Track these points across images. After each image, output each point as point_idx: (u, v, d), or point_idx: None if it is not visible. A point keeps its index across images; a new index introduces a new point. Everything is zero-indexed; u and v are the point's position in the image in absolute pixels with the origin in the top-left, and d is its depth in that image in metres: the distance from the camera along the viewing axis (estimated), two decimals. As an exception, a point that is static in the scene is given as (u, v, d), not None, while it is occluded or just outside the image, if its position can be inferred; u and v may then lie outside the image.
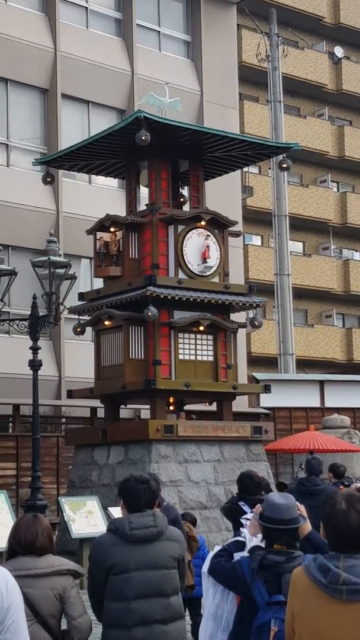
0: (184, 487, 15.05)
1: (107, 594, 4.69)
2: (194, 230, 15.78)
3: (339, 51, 38.64)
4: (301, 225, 35.99)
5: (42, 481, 15.03)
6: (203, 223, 15.85)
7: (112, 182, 23.15)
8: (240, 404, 20.90)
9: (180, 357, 15.54)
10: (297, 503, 4.81)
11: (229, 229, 16.45)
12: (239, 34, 30.34)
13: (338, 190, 38.86)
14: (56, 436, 18.84)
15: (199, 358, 15.78)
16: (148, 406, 16.32)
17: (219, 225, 16.20)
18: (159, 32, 24.78)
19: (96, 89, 22.82)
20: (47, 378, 19.28)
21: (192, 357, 15.71)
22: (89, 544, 10.26)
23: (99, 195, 21.87)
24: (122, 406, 16.90)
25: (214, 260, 15.91)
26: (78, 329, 16.56)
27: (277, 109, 28.88)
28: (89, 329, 16.47)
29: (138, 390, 15.39)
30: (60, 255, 14.79)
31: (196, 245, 15.75)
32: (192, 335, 15.72)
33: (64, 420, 20.35)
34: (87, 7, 23.55)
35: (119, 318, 15.44)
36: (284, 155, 16.92)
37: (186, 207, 16.63)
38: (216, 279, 16.08)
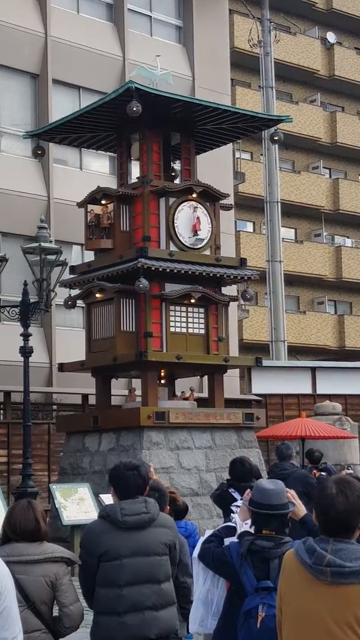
0: (175, 474, 15.06)
1: (98, 581, 4.69)
2: (185, 203, 15.77)
3: (331, 37, 38.49)
4: (293, 211, 35.94)
5: (34, 468, 15.01)
6: (194, 195, 15.83)
7: (104, 168, 23.06)
8: (232, 391, 20.91)
9: (172, 329, 15.55)
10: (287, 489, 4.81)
11: (220, 202, 16.43)
12: (230, 19, 30.19)
13: (330, 177, 38.80)
14: (47, 423, 18.81)
15: (190, 331, 15.79)
16: (139, 394, 16.28)
17: (210, 198, 16.19)
18: (151, 17, 24.65)
19: (87, 74, 22.70)
20: (38, 365, 19.24)
21: (184, 330, 15.72)
22: (80, 531, 10.25)
23: (90, 181, 21.73)
24: (114, 379, 16.85)
25: (205, 232, 15.90)
26: (69, 302, 16.53)
27: (269, 94, 28.76)
28: (79, 316, 16.43)
29: (129, 362, 15.38)
30: (51, 242, 14.72)
31: (187, 217, 15.76)
32: (184, 308, 15.72)
33: (55, 407, 20.32)
34: (78, -8, 23.39)
35: (110, 290, 15.43)
36: (276, 128, 16.93)
37: (177, 182, 16.58)
38: (207, 252, 16.08)
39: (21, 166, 21.44)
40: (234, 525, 5.06)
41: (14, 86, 22.07)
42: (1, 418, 18.68)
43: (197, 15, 24.92)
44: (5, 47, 21.42)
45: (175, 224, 15.64)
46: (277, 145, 28.03)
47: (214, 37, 25.30)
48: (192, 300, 15.70)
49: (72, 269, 16.58)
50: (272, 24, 30.10)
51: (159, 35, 24.63)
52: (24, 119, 22.07)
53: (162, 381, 16.23)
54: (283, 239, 30.80)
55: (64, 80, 22.54)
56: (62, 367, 17.05)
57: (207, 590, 5.18)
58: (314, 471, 11.62)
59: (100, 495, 13.85)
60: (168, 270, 15.19)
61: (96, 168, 22.88)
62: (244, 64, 34.07)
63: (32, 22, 22.12)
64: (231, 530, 5.04)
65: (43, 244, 14.12)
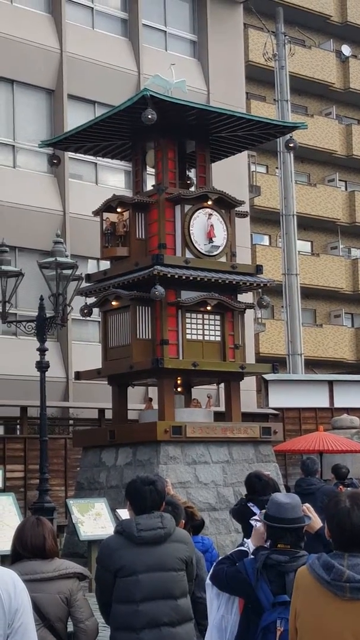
0: (192, 489, 14.98)
1: (114, 597, 4.64)
2: (200, 210, 15.78)
3: (346, 50, 38.52)
4: (309, 224, 35.89)
5: (50, 483, 14.97)
6: (210, 202, 15.84)
7: (119, 183, 23.10)
8: (249, 405, 20.83)
9: (188, 337, 15.54)
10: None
11: (235, 209, 16.43)
12: (245, 33, 30.25)
13: (346, 189, 38.74)
14: (64, 438, 18.79)
15: (206, 338, 15.78)
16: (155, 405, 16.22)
17: (225, 205, 16.21)
18: (165, 31, 24.74)
19: (102, 89, 22.78)
20: (54, 379, 19.23)
21: (200, 337, 15.72)
22: (98, 546, 10.20)
23: (105, 196, 21.80)
24: (130, 387, 16.83)
25: (220, 239, 15.91)
26: (85, 310, 16.57)
27: (284, 108, 28.80)
28: (95, 330, 16.42)
29: (146, 370, 15.36)
30: (67, 256, 14.74)
31: (203, 224, 15.80)
32: (200, 315, 15.72)
33: (71, 421, 20.30)
34: (92, 8, 23.51)
35: (126, 298, 15.45)
36: (291, 135, 16.93)
37: (193, 190, 16.58)
38: (223, 259, 16.08)
39: (37, 181, 21.52)
40: (246, 549, 4.99)
41: (30, 102, 22.17)
42: (18, 433, 18.67)
43: (211, 30, 24.99)
44: (20, 63, 21.54)
45: (190, 231, 15.65)
46: (292, 158, 28.05)
47: (228, 51, 25.36)
48: (208, 308, 15.70)
49: (88, 277, 16.64)
50: (287, 37, 30.16)
51: (174, 50, 24.71)
52: (40, 134, 22.15)
53: (179, 389, 16.19)
54: (299, 252, 30.76)
55: (79, 96, 22.64)
56: (78, 376, 17.08)
57: (221, 616, 5.10)
58: (340, 486, 11.52)
59: (117, 510, 13.78)
60: (184, 277, 15.19)
61: (112, 182, 22.92)
62: (259, 78, 34.13)
63: (47, 38, 22.24)
64: (243, 555, 4.97)
65: (59, 259, 14.13)
